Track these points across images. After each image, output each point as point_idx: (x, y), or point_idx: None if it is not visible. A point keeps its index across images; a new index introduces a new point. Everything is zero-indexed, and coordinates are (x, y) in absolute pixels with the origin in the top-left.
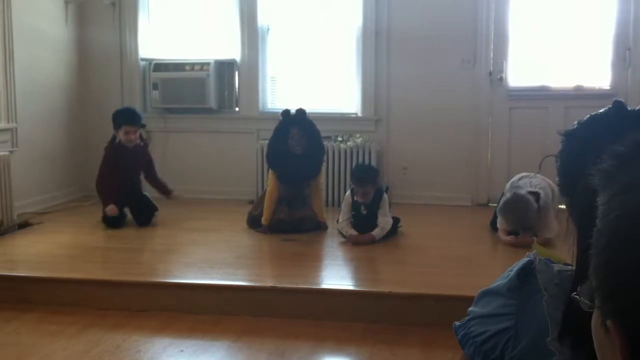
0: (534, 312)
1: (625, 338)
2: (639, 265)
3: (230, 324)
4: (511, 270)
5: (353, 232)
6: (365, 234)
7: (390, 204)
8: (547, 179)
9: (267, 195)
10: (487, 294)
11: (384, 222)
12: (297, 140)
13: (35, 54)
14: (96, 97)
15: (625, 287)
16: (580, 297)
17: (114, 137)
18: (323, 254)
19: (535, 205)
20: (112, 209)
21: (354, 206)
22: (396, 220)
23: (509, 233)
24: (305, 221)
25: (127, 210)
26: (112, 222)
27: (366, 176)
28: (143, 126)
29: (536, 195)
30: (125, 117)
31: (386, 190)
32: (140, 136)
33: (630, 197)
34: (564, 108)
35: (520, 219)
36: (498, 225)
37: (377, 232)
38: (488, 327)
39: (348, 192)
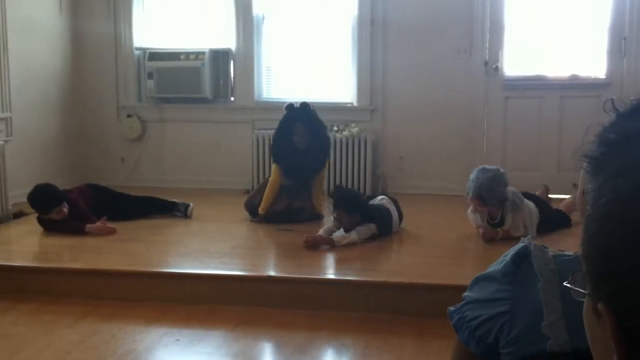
0: (529, 297)
1: (616, 321)
2: (629, 247)
3: (225, 313)
4: (506, 256)
5: (322, 233)
6: (326, 237)
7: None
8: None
9: (268, 186)
10: (482, 279)
11: (351, 233)
12: (301, 135)
13: (30, 43)
14: (91, 87)
15: (616, 270)
16: (572, 286)
17: (39, 218)
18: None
19: (507, 185)
20: (101, 228)
21: None
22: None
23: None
24: (302, 211)
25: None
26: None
27: (338, 199)
28: (66, 200)
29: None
30: (54, 200)
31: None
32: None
33: (620, 181)
34: (559, 97)
35: (486, 186)
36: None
37: (338, 238)
38: (482, 312)
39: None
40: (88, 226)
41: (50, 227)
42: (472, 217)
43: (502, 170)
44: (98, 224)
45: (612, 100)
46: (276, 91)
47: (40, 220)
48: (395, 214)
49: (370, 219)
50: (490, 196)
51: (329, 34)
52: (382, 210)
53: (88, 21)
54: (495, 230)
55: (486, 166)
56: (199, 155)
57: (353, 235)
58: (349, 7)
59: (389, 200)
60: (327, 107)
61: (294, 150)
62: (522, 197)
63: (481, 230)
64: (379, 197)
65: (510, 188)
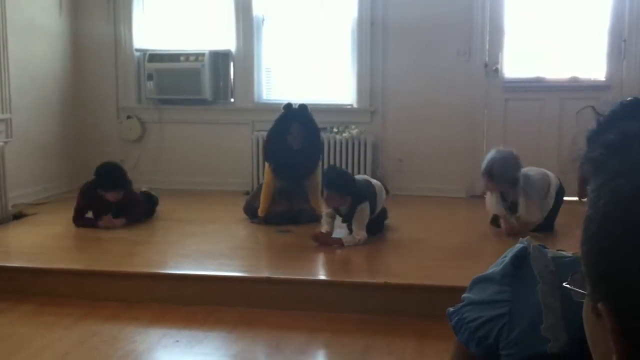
0: (528, 299)
1: (615, 321)
2: (628, 248)
3: (225, 315)
4: (505, 257)
5: (327, 228)
6: (335, 237)
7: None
8: (550, 174)
9: (263, 187)
10: (481, 280)
11: (357, 234)
12: (296, 136)
13: (30, 44)
14: (91, 88)
15: (615, 270)
16: (571, 286)
17: (95, 185)
18: (317, 246)
19: (519, 168)
20: (108, 221)
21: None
22: (383, 212)
23: (494, 221)
24: (303, 213)
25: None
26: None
27: (329, 179)
28: (131, 184)
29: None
30: (114, 184)
31: (383, 216)
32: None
33: (619, 182)
34: (559, 99)
35: (498, 165)
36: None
37: (348, 239)
38: (482, 313)
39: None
40: (101, 222)
41: (88, 203)
42: (488, 203)
43: (515, 153)
44: (106, 218)
45: (592, 107)
46: (276, 93)
47: (87, 193)
48: (379, 190)
49: (363, 198)
50: (500, 175)
51: (329, 36)
52: (369, 187)
53: (88, 22)
54: (515, 225)
55: (501, 147)
56: (198, 157)
57: (359, 232)
58: (348, 9)
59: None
60: (327, 109)
61: (288, 150)
62: (534, 184)
63: (503, 226)
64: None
65: (524, 174)
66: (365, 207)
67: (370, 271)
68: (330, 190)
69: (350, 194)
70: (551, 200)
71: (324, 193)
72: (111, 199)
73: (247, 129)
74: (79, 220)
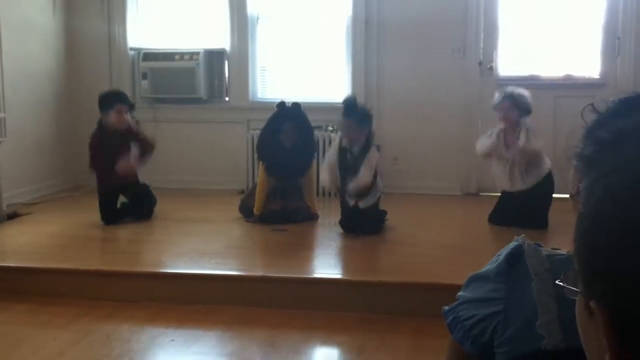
0: (523, 297)
1: (609, 319)
2: (626, 246)
3: (221, 313)
4: (500, 255)
5: (329, 182)
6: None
7: (380, 190)
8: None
9: (258, 186)
10: (476, 278)
11: (362, 175)
12: (289, 134)
13: (23, 43)
14: (85, 87)
15: (612, 269)
16: (564, 284)
17: (99, 124)
18: (313, 244)
19: (530, 102)
20: (125, 164)
21: (341, 152)
22: (383, 214)
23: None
24: (298, 212)
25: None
26: (111, 219)
27: (353, 105)
28: (133, 106)
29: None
30: (117, 96)
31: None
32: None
33: (613, 179)
34: (553, 97)
35: (518, 92)
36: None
37: (352, 186)
38: (477, 312)
39: (338, 137)
40: (118, 167)
41: (99, 146)
42: (482, 143)
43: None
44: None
45: (592, 104)
46: (271, 91)
47: (96, 139)
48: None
49: (371, 144)
50: (520, 100)
51: (324, 34)
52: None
53: (82, 21)
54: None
55: None
56: (193, 156)
57: (365, 173)
58: (343, 8)
59: None
60: (322, 108)
61: (281, 149)
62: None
63: (502, 135)
64: None
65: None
66: (376, 152)
67: (367, 269)
68: (349, 119)
69: (367, 125)
70: (547, 166)
71: (344, 123)
72: (116, 120)
73: (242, 127)
74: (96, 163)
